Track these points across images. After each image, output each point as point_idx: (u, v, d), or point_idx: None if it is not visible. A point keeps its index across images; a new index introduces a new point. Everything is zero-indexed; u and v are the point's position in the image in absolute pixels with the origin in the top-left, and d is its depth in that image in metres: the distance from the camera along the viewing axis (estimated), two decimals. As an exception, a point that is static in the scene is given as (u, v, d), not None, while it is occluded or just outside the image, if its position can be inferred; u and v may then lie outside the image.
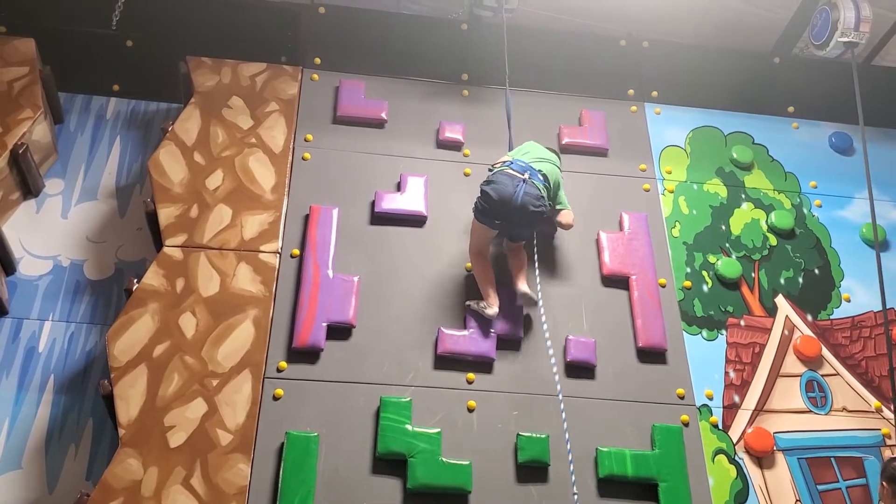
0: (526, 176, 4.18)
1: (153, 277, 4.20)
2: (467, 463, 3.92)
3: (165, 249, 4.30)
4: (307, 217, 4.53)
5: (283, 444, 3.85)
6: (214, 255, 4.32)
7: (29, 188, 4.76)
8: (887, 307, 4.64)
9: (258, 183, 4.59)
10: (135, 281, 4.19)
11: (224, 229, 4.41)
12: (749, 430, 4.32)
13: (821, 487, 4.26)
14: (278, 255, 4.38)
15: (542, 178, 4.25)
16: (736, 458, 4.25)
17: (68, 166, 4.96)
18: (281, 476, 3.76)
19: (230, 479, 3.72)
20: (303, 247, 4.43)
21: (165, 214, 4.40)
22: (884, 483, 3.75)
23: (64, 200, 4.83)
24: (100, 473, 3.76)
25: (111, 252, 4.71)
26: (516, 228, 4.28)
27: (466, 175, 4.84)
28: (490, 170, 4.35)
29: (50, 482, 4.03)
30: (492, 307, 4.25)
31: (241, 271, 4.29)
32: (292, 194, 4.61)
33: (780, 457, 4.30)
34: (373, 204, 4.64)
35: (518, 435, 4.04)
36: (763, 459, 4.27)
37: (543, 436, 4.04)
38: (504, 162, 4.32)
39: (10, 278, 4.51)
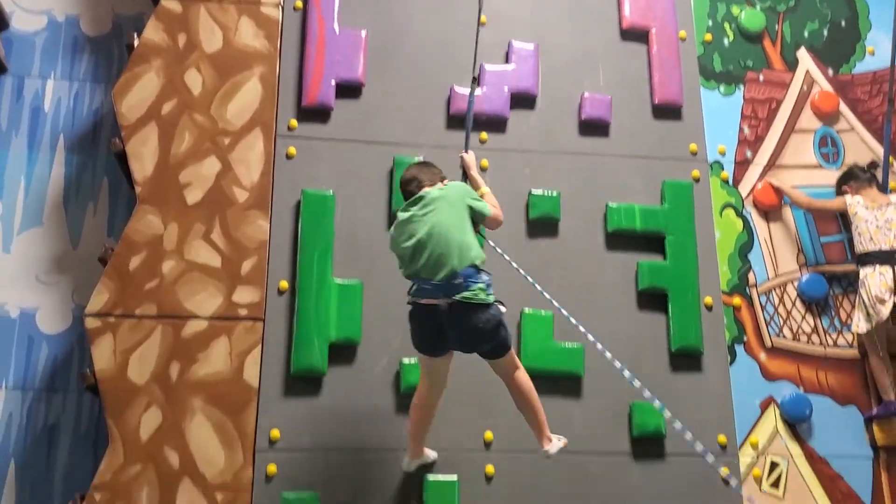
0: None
1: (153, 32, 4.03)
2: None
3: (163, 2, 4.08)
4: (309, -35, 4.26)
5: (299, 201, 3.90)
6: (214, 8, 4.11)
7: (9, -65, 4.44)
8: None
9: (254, -73, 4.26)
10: (135, 35, 4.03)
11: (222, -21, 4.16)
12: (759, 186, 4.36)
13: (823, 239, 4.38)
14: (280, 7, 4.16)
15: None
16: (744, 212, 4.33)
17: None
18: (300, 231, 3.85)
19: (250, 234, 3.81)
20: (305, -2, 4.21)
21: (159, -37, 4.13)
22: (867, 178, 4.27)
23: (49, -51, 4.53)
24: (121, 230, 3.84)
25: (107, 5, 4.48)
26: None
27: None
28: None
29: (73, 238, 4.14)
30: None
31: (243, 26, 4.10)
32: (292, -60, 4.30)
33: (786, 210, 4.37)
34: (378, -49, 4.34)
35: (530, 192, 4.08)
36: (770, 213, 4.35)
37: (555, 193, 4.08)
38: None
39: (4, 35, 4.33)
